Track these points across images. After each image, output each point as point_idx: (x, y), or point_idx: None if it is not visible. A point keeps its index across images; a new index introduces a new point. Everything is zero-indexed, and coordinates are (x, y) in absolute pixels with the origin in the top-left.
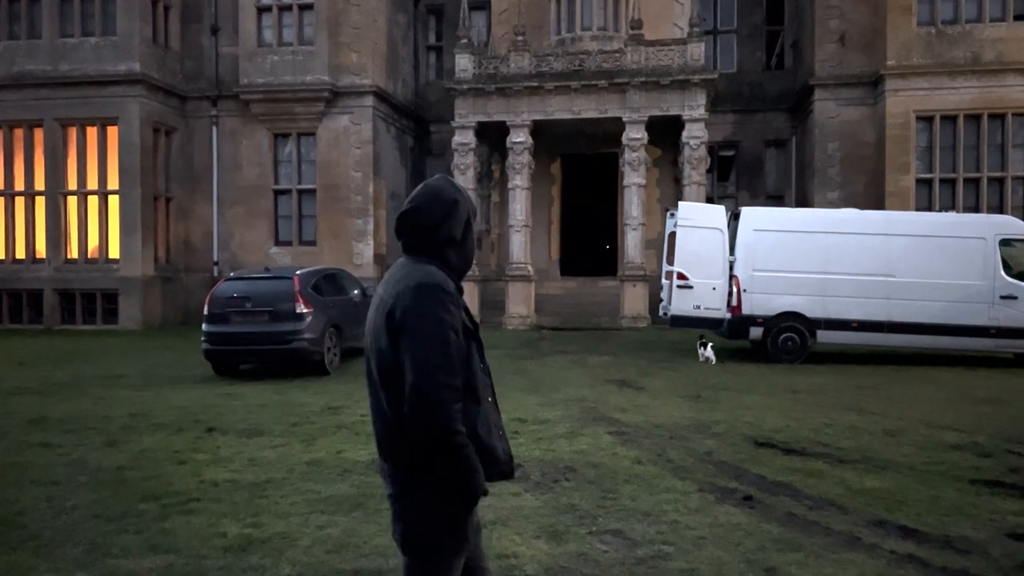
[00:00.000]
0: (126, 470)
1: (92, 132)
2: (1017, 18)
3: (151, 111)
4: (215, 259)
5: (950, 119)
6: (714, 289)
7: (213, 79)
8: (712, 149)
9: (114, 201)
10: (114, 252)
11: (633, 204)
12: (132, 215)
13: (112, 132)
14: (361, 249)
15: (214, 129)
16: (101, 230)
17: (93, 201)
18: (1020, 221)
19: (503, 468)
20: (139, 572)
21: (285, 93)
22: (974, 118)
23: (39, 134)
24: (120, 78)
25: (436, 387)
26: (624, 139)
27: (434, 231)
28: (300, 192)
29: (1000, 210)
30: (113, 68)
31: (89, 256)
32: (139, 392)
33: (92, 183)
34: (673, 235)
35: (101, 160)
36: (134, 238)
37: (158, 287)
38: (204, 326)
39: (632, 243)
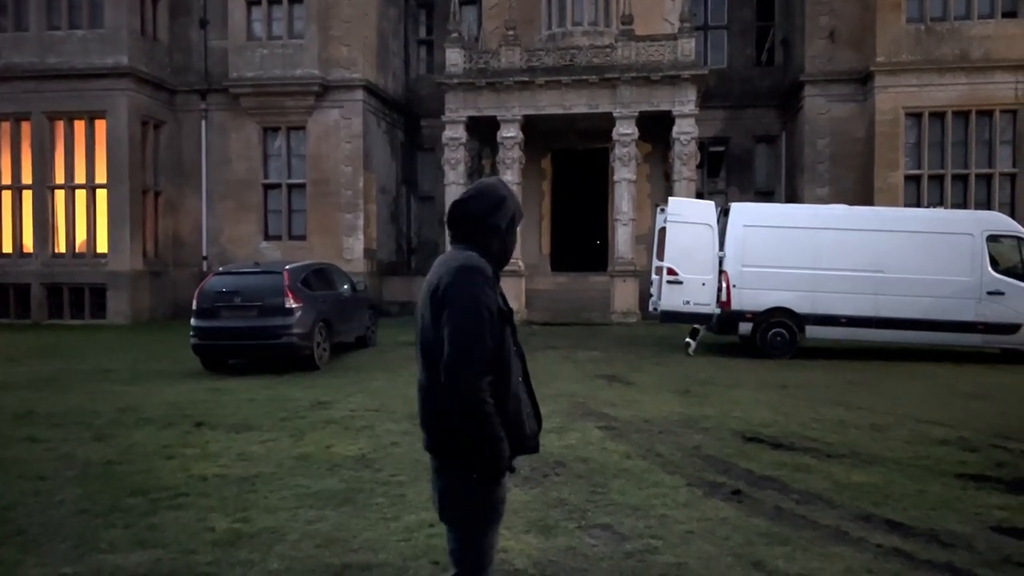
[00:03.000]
0: (114, 465)
1: (80, 125)
2: (1005, 15)
3: (139, 104)
4: (204, 254)
5: (938, 116)
6: (704, 285)
7: (202, 72)
8: (702, 145)
9: (102, 195)
10: (102, 246)
11: (623, 199)
12: (120, 209)
13: (100, 126)
14: (351, 244)
15: (203, 123)
16: (89, 224)
17: (81, 195)
18: (1007, 217)
19: (529, 443)
20: (127, 567)
21: (275, 87)
22: (962, 115)
23: (26, 127)
24: (108, 71)
25: (470, 357)
26: (614, 134)
27: (480, 221)
28: (290, 186)
29: (987, 206)
30: (101, 61)
31: (77, 250)
32: (127, 387)
33: (80, 177)
34: (663, 231)
35: (89, 154)
36: (122, 232)
37: (147, 282)
38: (193, 321)
39: (622, 238)
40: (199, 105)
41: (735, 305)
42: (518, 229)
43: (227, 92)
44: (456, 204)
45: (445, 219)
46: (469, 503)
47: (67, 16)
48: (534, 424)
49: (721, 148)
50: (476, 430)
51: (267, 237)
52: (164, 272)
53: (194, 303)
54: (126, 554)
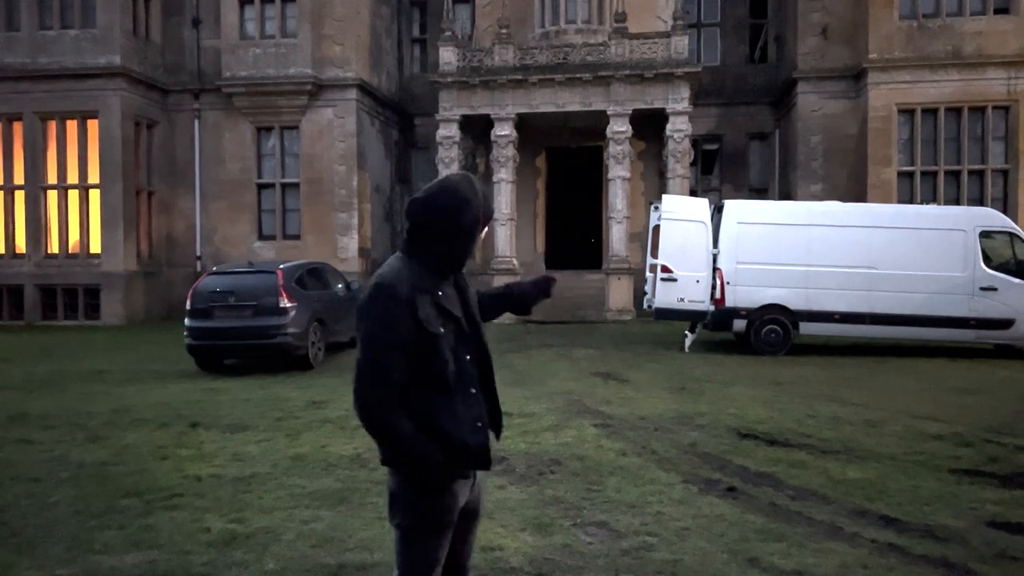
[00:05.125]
0: (108, 466)
1: (72, 125)
2: (997, 11)
3: (132, 104)
4: (198, 254)
5: (931, 112)
6: (698, 282)
7: (195, 72)
8: (696, 142)
9: (95, 195)
10: (95, 247)
11: (618, 197)
12: (114, 209)
13: (92, 126)
14: (345, 243)
15: (196, 122)
16: (82, 225)
17: (74, 195)
18: (1000, 213)
19: (474, 459)
20: (122, 568)
21: (268, 86)
22: (955, 111)
23: (18, 127)
24: (100, 71)
25: (368, 386)
26: (608, 132)
27: (430, 224)
28: (284, 186)
29: (980, 202)
30: (93, 61)
31: (70, 251)
32: (122, 387)
33: (72, 177)
34: (657, 228)
35: (81, 154)
36: (116, 233)
37: (140, 282)
38: (187, 321)
39: (617, 236)
40: (192, 105)
41: (729, 302)
42: (486, 229)
43: (220, 92)
44: (415, 201)
45: (404, 215)
46: (412, 509)
47: (59, 16)
48: (483, 438)
49: (715, 145)
50: (396, 450)
51: (261, 237)
52: (158, 272)
53: (188, 303)
54: (121, 555)
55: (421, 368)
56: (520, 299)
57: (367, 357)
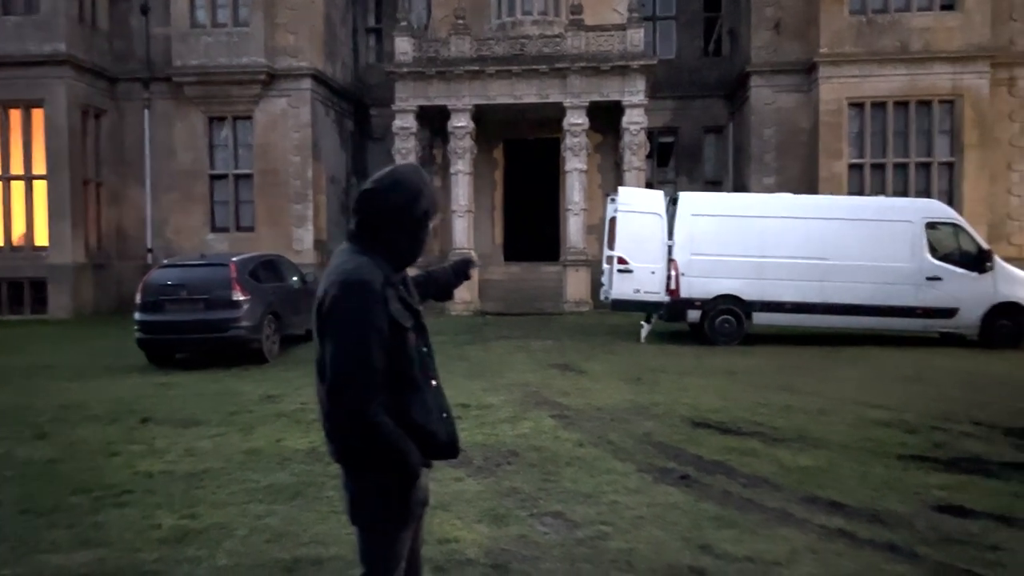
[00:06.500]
0: (56, 463)
1: (16, 115)
2: (944, 8)
3: (79, 93)
4: (149, 246)
5: (880, 106)
6: (653, 273)
7: (144, 61)
8: (652, 135)
9: (40, 186)
10: (42, 239)
11: (575, 189)
12: (61, 201)
13: (37, 115)
14: (301, 235)
15: (146, 112)
16: (27, 216)
17: (18, 186)
18: (945, 205)
19: (445, 450)
20: (70, 567)
21: (220, 75)
22: (903, 105)
23: None
24: (45, 59)
25: (352, 384)
26: (565, 124)
27: (385, 217)
28: (237, 177)
29: (927, 194)
30: (37, 48)
31: (15, 243)
32: (70, 383)
33: (17, 167)
34: (614, 220)
35: (26, 144)
36: (63, 224)
37: (89, 275)
38: (137, 315)
39: (574, 228)
40: (142, 94)
41: (684, 293)
42: (431, 224)
43: (170, 81)
44: (365, 193)
45: (352, 208)
46: (379, 507)
47: (0, 1)
48: (451, 428)
49: (670, 138)
50: (374, 449)
51: (214, 229)
52: (107, 265)
53: (138, 296)
54: (69, 554)
55: (391, 362)
56: (443, 285)
57: (350, 355)
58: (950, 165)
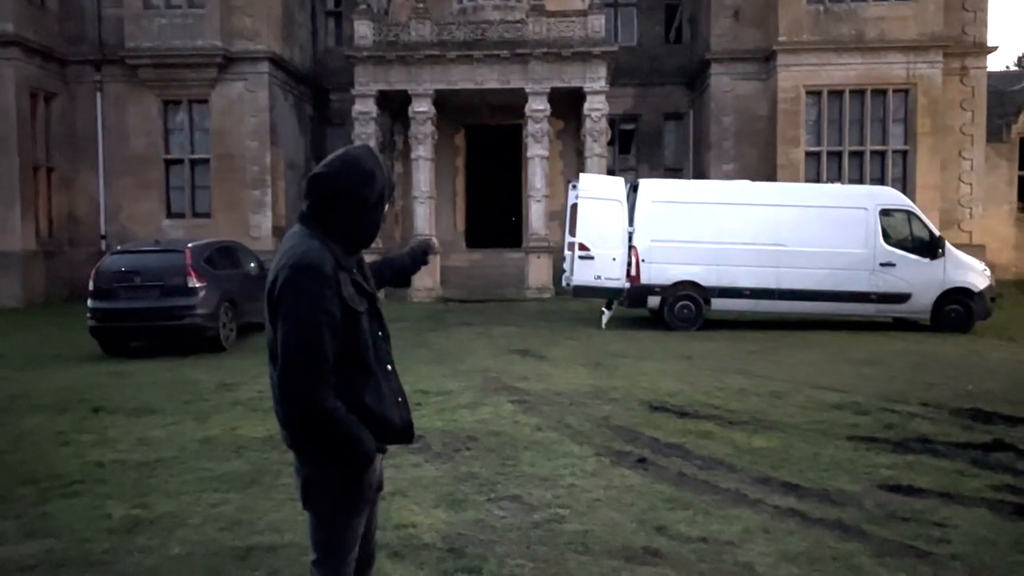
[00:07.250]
0: (4, 454)
1: None
2: None
3: (27, 75)
4: (102, 232)
5: (837, 94)
6: (614, 259)
7: (96, 42)
8: (613, 122)
9: None
10: None
11: (537, 176)
12: (9, 186)
13: None
14: (258, 221)
15: (99, 95)
16: None
17: None
18: (898, 192)
19: (400, 435)
20: (16, 558)
21: (175, 58)
22: (859, 93)
23: None
24: None
25: (302, 369)
26: (527, 110)
27: (338, 200)
28: (193, 162)
29: (882, 182)
30: None
31: None
32: (19, 372)
33: None
34: (575, 207)
35: None
36: (12, 210)
37: (40, 262)
38: (90, 302)
39: (536, 215)
40: (94, 76)
41: (644, 279)
42: (387, 205)
43: (123, 63)
44: (315, 176)
45: (303, 191)
46: (331, 493)
47: None
48: (405, 413)
49: (631, 125)
50: (326, 435)
51: (170, 215)
52: (59, 252)
53: (91, 283)
54: (15, 545)
55: (344, 347)
56: (400, 271)
57: (300, 340)
58: (904, 153)
